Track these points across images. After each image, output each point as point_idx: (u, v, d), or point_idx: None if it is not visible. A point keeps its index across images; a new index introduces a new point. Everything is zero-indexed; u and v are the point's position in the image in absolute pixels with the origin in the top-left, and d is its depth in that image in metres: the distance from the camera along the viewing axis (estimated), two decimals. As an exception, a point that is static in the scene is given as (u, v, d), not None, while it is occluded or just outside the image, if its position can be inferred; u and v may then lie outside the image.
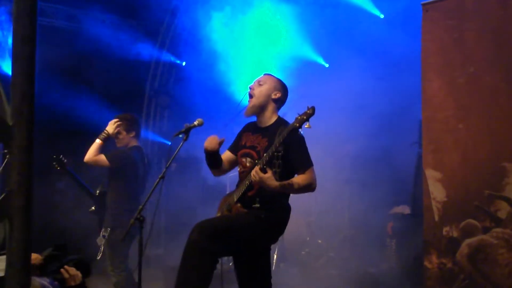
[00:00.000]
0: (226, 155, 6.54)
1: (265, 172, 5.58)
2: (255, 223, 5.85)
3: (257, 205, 5.80)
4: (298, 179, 5.74)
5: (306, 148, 5.90)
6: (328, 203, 11.32)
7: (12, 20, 2.41)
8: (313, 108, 5.50)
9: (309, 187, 5.82)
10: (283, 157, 5.69)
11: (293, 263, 10.56)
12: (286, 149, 5.67)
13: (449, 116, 6.07)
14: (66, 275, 4.64)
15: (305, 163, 5.80)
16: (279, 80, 6.24)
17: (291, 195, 6.20)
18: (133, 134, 8.48)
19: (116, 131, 8.38)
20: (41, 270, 4.78)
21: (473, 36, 6.03)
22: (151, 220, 6.52)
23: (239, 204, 5.94)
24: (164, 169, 6.53)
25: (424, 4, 6.46)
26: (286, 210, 6.07)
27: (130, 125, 8.51)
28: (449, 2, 6.30)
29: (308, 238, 11.04)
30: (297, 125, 5.46)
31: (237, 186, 6.21)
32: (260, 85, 6.13)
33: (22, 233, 2.45)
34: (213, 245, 5.69)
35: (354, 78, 11.30)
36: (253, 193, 5.89)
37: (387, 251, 10.92)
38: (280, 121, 6.07)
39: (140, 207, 6.39)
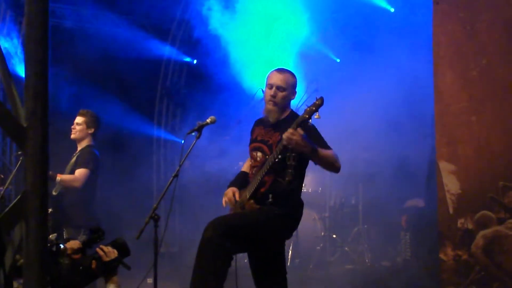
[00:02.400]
0: (249, 159, 6.53)
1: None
2: (269, 219, 5.85)
3: (271, 201, 5.80)
4: (326, 151, 5.69)
5: (321, 137, 5.88)
6: (341, 197, 11.30)
7: (24, 21, 2.42)
8: (321, 99, 5.48)
9: (334, 163, 5.80)
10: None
11: (308, 258, 10.55)
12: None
13: (462, 108, 6.05)
14: (101, 253, 4.81)
15: (326, 145, 5.76)
16: (294, 76, 6.18)
17: (303, 191, 6.21)
18: (92, 130, 8.65)
19: None
20: (82, 253, 4.93)
21: (485, 28, 6.01)
22: (166, 219, 6.49)
23: (252, 201, 5.93)
24: (178, 168, 6.54)
25: (434, -4, 6.44)
26: (299, 205, 6.06)
27: (92, 121, 8.65)
28: (459, -6, 6.28)
29: (322, 233, 11.02)
30: (307, 116, 5.48)
31: (250, 181, 6.20)
32: (281, 91, 6.05)
33: (38, 233, 2.46)
34: (227, 242, 5.69)
35: (365, 72, 11.29)
36: (265, 189, 5.87)
37: (401, 244, 10.89)
38: (292, 115, 6.04)
39: (154, 205, 6.39)
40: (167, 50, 15.59)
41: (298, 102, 9.28)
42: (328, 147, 5.80)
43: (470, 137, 5.99)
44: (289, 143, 5.51)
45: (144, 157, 14.69)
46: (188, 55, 15.68)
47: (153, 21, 14.84)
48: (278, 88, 6.01)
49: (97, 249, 4.93)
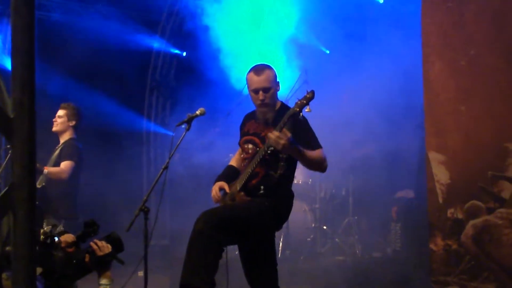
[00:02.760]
0: (238, 152, 6.53)
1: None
2: (260, 211, 5.85)
3: (262, 192, 5.81)
4: (312, 152, 5.70)
5: (312, 131, 5.89)
6: (332, 189, 11.32)
7: (11, 11, 2.40)
8: (312, 92, 5.49)
9: (320, 165, 5.84)
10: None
11: (298, 250, 10.56)
12: (294, 133, 5.59)
13: (450, 99, 6.07)
14: (95, 247, 4.81)
15: (314, 145, 5.77)
16: (271, 69, 6.14)
17: (294, 181, 6.23)
18: (73, 123, 8.78)
19: None
20: (76, 246, 4.93)
21: (473, 19, 6.03)
22: (156, 211, 6.50)
23: (242, 193, 5.94)
24: (168, 160, 6.54)
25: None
26: (289, 197, 6.06)
27: (74, 114, 8.77)
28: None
29: (313, 225, 11.03)
30: (298, 109, 5.48)
31: (240, 173, 6.20)
32: (267, 91, 5.97)
33: (27, 225, 2.45)
34: (218, 234, 5.68)
35: (354, 63, 11.30)
36: (257, 181, 5.87)
37: (392, 235, 10.93)
38: (283, 106, 6.07)
39: (145, 198, 6.39)
40: (156, 43, 15.58)
41: (288, 94, 9.29)
42: (317, 145, 5.81)
43: (459, 127, 6.01)
44: (275, 146, 5.51)
45: (134, 150, 14.69)
46: (178, 47, 15.68)
47: (142, 13, 14.83)
48: (264, 90, 5.97)
49: (91, 243, 4.93)
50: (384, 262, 10.51)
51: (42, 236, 4.75)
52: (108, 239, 4.97)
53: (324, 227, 11.02)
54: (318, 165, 5.86)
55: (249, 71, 6.11)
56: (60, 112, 8.77)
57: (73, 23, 13.72)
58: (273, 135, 5.44)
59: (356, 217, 11.41)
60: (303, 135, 5.74)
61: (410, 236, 9.90)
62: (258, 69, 6.04)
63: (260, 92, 5.93)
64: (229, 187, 6.14)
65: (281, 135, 5.42)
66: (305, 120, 5.91)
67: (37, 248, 4.84)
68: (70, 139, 8.78)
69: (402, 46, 10.36)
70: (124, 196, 13.05)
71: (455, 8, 6.14)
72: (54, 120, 8.77)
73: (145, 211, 6.20)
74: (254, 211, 5.84)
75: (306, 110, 5.49)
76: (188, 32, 14.69)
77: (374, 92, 10.74)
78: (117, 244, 4.96)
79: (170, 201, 14.56)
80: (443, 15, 6.17)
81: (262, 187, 5.82)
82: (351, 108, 10.80)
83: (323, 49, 12.87)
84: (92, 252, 4.84)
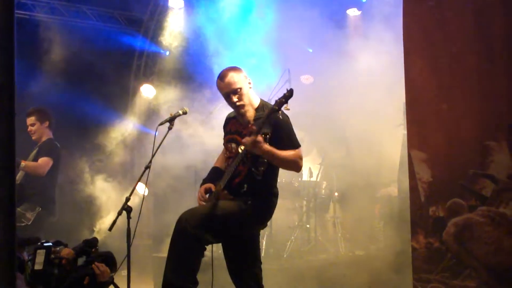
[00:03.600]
0: (222, 152, 6.56)
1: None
2: (242, 210, 5.88)
3: (245, 190, 5.85)
4: (287, 152, 5.75)
5: (292, 130, 5.95)
6: (315, 187, 11.32)
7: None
8: (291, 91, 5.56)
9: (294, 165, 5.90)
10: (270, 140, 5.69)
11: (282, 248, 10.57)
12: (273, 132, 5.70)
13: (432, 97, 6.08)
14: (98, 271, 4.76)
15: (292, 144, 5.84)
16: (236, 70, 6.17)
17: (278, 180, 6.25)
18: (46, 124, 8.96)
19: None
20: (73, 264, 4.87)
21: (454, 17, 6.03)
22: (139, 211, 6.49)
23: (225, 191, 5.94)
24: (150, 159, 6.54)
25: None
26: (273, 196, 6.10)
27: (43, 115, 8.92)
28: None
29: (296, 223, 11.04)
30: (276, 107, 5.55)
31: (224, 172, 6.22)
32: (237, 93, 6.02)
33: (6, 223, 2.43)
34: (201, 233, 5.74)
35: (337, 62, 11.32)
36: (240, 179, 5.92)
37: (375, 233, 10.96)
38: (263, 104, 6.14)
39: (127, 196, 6.39)
40: (139, 42, 15.55)
41: (271, 93, 9.30)
42: (294, 144, 5.89)
43: (440, 126, 6.02)
44: (250, 150, 5.63)
45: (116, 149, 14.66)
46: (161, 47, 15.65)
47: (125, 12, 14.81)
48: (233, 92, 6.01)
49: (94, 267, 4.89)
50: (367, 259, 10.54)
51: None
52: (105, 260, 4.93)
53: (308, 226, 11.03)
54: (291, 166, 5.94)
55: (216, 79, 6.16)
56: (30, 121, 8.94)
57: (56, 22, 13.67)
58: (249, 141, 5.55)
59: (339, 215, 11.43)
60: (280, 135, 5.81)
61: (392, 234, 9.93)
62: (222, 75, 6.07)
63: (231, 96, 6.00)
64: (214, 186, 6.15)
65: (256, 142, 5.53)
66: (285, 119, 5.98)
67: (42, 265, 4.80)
68: (48, 139, 8.92)
69: (383, 44, 10.43)
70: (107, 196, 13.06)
71: (436, 6, 6.15)
72: (29, 130, 8.90)
73: (128, 210, 6.20)
74: (236, 210, 5.87)
75: (285, 108, 5.56)
76: (171, 31, 14.70)
77: (357, 89, 10.79)
78: (112, 265, 4.94)
79: (153, 201, 14.55)
80: (424, 13, 6.19)
81: (245, 185, 5.86)
82: (334, 106, 10.82)
83: (307, 48, 12.87)
84: (92, 275, 4.80)
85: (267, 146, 5.64)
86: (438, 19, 6.11)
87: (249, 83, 6.08)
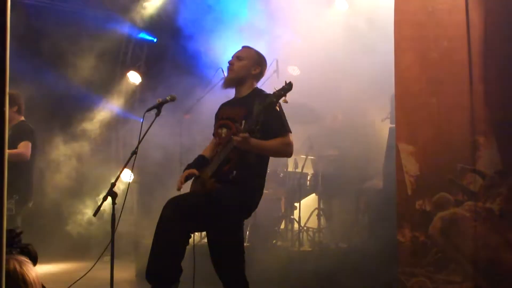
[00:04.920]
0: (212, 142, 6.59)
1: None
2: (228, 199, 5.86)
3: (233, 175, 5.89)
4: (275, 141, 5.83)
5: (282, 115, 6.00)
6: (300, 178, 11.29)
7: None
8: (290, 84, 5.54)
9: (285, 151, 5.98)
10: (262, 125, 5.69)
11: (266, 239, 10.54)
12: (264, 120, 5.69)
13: (422, 90, 6.06)
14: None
15: (282, 129, 5.91)
16: (258, 53, 6.35)
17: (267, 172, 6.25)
18: (15, 108, 8.81)
19: None
20: None
21: (447, 11, 6.01)
22: (124, 196, 6.47)
23: (213, 179, 5.95)
24: (137, 145, 6.51)
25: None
26: (259, 186, 6.13)
27: (11, 101, 8.79)
28: (422, -24, 6.28)
29: (280, 214, 11.02)
30: (275, 100, 5.52)
31: (212, 159, 6.21)
32: (239, 60, 6.21)
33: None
34: (185, 221, 5.77)
35: (326, 53, 11.29)
36: (229, 167, 5.91)
37: (359, 226, 10.95)
38: (257, 91, 6.20)
39: (113, 181, 6.35)
40: (127, 28, 15.47)
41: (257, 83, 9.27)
42: (285, 129, 5.95)
43: (429, 119, 6.01)
44: (239, 147, 5.66)
45: (102, 135, 14.63)
46: (149, 33, 15.60)
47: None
48: (237, 57, 6.24)
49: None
50: (350, 252, 10.52)
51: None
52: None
53: (292, 217, 11.00)
54: (281, 153, 6.10)
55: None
56: None
57: (41, 6, 13.61)
58: (239, 138, 5.57)
59: (324, 207, 11.42)
60: (274, 118, 5.85)
61: (377, 227, 9.92)
62: (246, 46, 6.40)
63: (234, 58, 6.26)
64: (200, 173, 6.15)
65: (245, 141, 5.57)
66: (277, 112, 5.96)
67: None
68: (19, 122, 8.79)
69: (371, 37, 10.42)
70: (93, 181, 13.04)
71: (428, 1, 6.13)
72: None
73: (113, 196, 6.16)
74: (221, 198, 5.85)
75: (283, 100, 5.55)
76: (160, 18, 14.65)
77: (343, 82, 10.78)
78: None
79: (138, 187, 14.54)
80: (417, 6, 6.15)
81: (234, 171, 5.89)
82: (320, 98, 10.81)
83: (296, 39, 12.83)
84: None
85: (254, 141, 5.67)
86: (430, 12, 6.09)
87: (256, 69, 6.26)
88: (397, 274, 6.20)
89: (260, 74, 6.35)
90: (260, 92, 6.20)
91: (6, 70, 2.39)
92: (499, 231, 5.49)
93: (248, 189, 6.01)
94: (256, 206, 6.26)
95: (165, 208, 5.86)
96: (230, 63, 6.28)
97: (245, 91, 6.25)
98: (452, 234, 5.78)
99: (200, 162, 6.42)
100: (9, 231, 4.27)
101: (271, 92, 5.61)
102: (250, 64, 6.20)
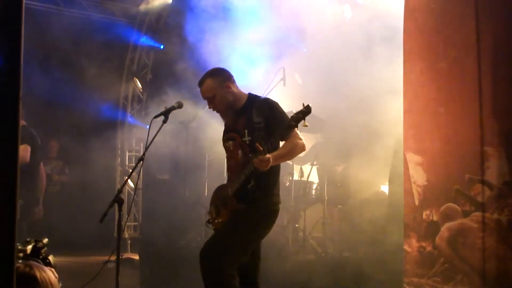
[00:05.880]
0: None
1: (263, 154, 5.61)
2: (253, 225, 6.02)
3: (252, 184, 5.93)
4: (288, 143, 5.86)
5: (283, 112, 6.05)
6: (305, 187, 11.29)
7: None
8: (308, 107, 5.52)
9: (299, 149, 5.98)
10: (265, 128, 5.83)
11: (271, 247, 10.52)
12: (265, 120, 5.85)
13: (430, 100, 6.04)
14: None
15: (289, 127, 5.78)
16: (211, 75, 6.33)
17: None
18: None
19: None
20: None
21: (454, 21, 5.99)
22: (130, 203, 6.47)
23: (234, 199, 6.01)
24: (144, 151, 6.51)
25: (407, -12, 6.44)
26: (278, 201, 6.18)
27: None
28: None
29: (285, 223, 11.01)
30: (294, 123, 5.52)
31: (229, 177, 6.29)
32: (210, 99, 6.25)
33: (7, 220, 2.37)
34: (226, 267, 5.84)
35: (333, 62, 11.32)
36: (251, 186, 5.96)
37: (364, 235, 10.92)
38: (252, 98, 6.25)
39: (119, 188, 6.36)
40: (134, 35, 15.53)
41: (266, 88, 9.27)
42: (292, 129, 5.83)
43: (437, 129, 5.99)
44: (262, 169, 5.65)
45: (107, 142, 14.66)
46: (156, 40, 15.64)
47: (120, 4, 14.81)
48: (208, 100, 6.29)
49: None
50: (355, 261, 10.50)
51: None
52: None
53: (297, 225, 10.99)
54: (298, 152, 6.04)
55: None
56: None
57: (53, 13, 13.66)
58: (256, 163, 5.59)
59: (329, 216, 11.41)
60: (276, 118, 5.93)
61: (383, 236, 9.90)
62: (200, 81, 6.33)
63: (208, 102, 6.31)
64: (221, 188, 6.28)
65: (262, 162, 5.55)
66: (275, 104, 6.12)
67: None
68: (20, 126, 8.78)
69: (379, 48, 10.43)
70: (96, 187, 13.02)
71: (437, 10, 6.11)
72: None
73: (120, 202, 6.15)
74: (248, 228, 6.00)
75: (303, 125, 5.53)
76: (166, 25, 14.71)
77: (348, 90, 10.80)
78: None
79: (144, 194, 14.56)
80: (425, 17, 6.14)
81: (252, 181, 5.92)
82: (327, 105, 10.81)
83: (302, 47, 12.87)
84: None
85: (273, 156, 5.66)
86: (439, 22, 6.07)
87: (228, 86, 6.21)
88: (403, 284, 6.17)
89: (231, 81, 6.30)
90: (254, 98, 6.27)
91: (20, 77, 2.39)
92: (507, 243, 5.46)
93: (268, 207, 6.12)
94: (276, 219, 6.31)
95: (202, 260, 6.00)
96: (210, 107, 6.36)
97: (240, 102, 6.24)
98: (459, 245, 5.75)
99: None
100: (35, 242, 4.22)
101: (292, 114, 5.63)
102: (219, 91, 6.18)
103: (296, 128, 5.78)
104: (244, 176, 5.87)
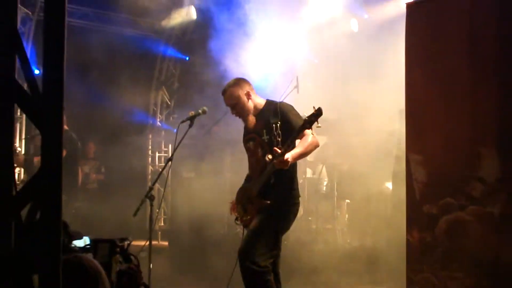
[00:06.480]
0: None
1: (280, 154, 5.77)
2: (279, 218, 6.17)
3: (273, 180, 6.08)
4: (302, 145, 5.95)
5: (296, 112, 6.23)
6: (317, 184, 11.32)
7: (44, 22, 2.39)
8: (319, 109, 5.63)
9: (315, 145, 6.09)
10: (280, 127, 5.97)
11: (287, 238, 10.55)
12: (281, 121, 6.00)
13: (431, 103, 6.07)
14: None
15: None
16: (234, 85, 6.45)
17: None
18: None
19: None
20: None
21: (450, 34, 6.02)
22: (160, 199, 6.55)
23: (259, 197, 6.12)
24: (173, 151, 6.59)
25: (408, 4, 6.47)
26: (298, 195, 6.39)
27: None
28: (430, 3, 6.30)
29: (299, 216, 11.03)
30: (308, 125, 5.67)
31: (250, 174, 6.46)
32: (234, 107, 6.40)
33: (53, 216, 2.41)
34: (263, 263, 5.96)
35: (341, 72, 11.36)
36: (273, 183, 6.10)
37: (370, 226, 10.94)
38: (269, 103, 6.41)
39: (150, 186, 6.43)
40: (162, 48, 15.62)
41: (282, 95, 9.31)
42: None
43: (437, 132, 6.01)
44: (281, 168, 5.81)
45: (139, 144, 14.75)
46: (182, 52, 15.72)
47: (149, 20, 14.91)
48: (231, 107, 6.42)
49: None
50: (362, 250, 10.53)
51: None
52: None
53: (309, 218, 11.03)
54: (314, 147, 6.12)
55: None
56: None
57: (90, 29, 13.77)
58: (276, 164, 5.78)
59: (338, 210, 11.44)
60: (291, 118, 6.11)
61: (388, 228, 9.93)
62: (223, 90, 6.47)
63: (230, 109, 6.44)
64: (245, 189, 6.40)
65: (284, 162, 5.76)
66: (287, 106, 6.32)
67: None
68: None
69: (381, 55, 10.46)
70: (130, 184, 13.11)
71: (435, 25, 6.15)
72: None
73: (151, 198, 6.23)
74: (275, 223, 6.15)
75: (316, 126, 5.68)
76: (191, 38, 14.78)
77: (355, 95, 10.83)
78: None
79: (171, 190, 14.62)
80: (425, 29, 6.18)
81: (272, 177, 6.06)
82: (333, 108, 10.85)
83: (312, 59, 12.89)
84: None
85: (291, 156, 5.82)
86: (437, 36, 6.09)
87: (248, 93, 6.28)
88: (406, 270, 6.21)
89: (251, 89, 6.43)
90: (271, 103, 6.41)
91: (62, 88, 2.43)
92: (498, 233, 5.48)
93: (290, 200, 6.29)
94: (298, 208, 6.48)
95: (241, 261, 6.10)
96: (233, 113, 6.48)
97: (259, 108, 6.38)
98: (456, 235, 5.78)
99: (248, 180, 6.56)
100: (120, 240, 4.23)
101: (304, 117, 5.84)
102: (240, 99, 6.32)
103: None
104: (266, 176, 5.94)
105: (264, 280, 5.92)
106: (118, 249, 4.09)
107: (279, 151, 5.72)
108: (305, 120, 5.69)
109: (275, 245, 6.13)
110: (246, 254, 5.98)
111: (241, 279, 6.55)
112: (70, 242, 4.09)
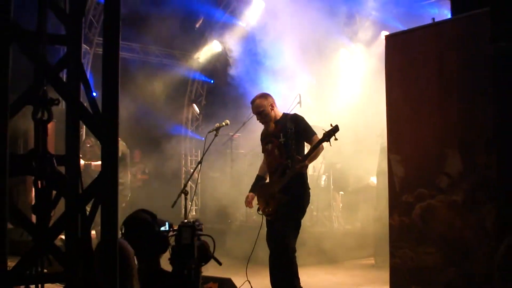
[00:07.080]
0: (263, 162, 6.87)
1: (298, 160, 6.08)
2: (298, 208, 6.33)
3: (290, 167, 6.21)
4: (314, 149, 6.08)
5: (308, 124, 6.39)
6: (317, 179, 11.32)
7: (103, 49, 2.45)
8: (336, 126, 5.94)
9: (322, 149, 6.24)
10: (296, 132, 6.20)
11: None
12: (295, 127, 6.21)
13: (406, 115, 6.11)
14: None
15: (311, 133, 6.29)
16: (262, 97, 6.54)
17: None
18: None
19: None
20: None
21: (422, 60, 6.05)
22: (192, 194, 6.59)
23: (281, 194, 6.23)
24: (202, 156, 6.65)
25: (386, 36, 6.54)
26: (309, 187, 6.54)
27: None
28: (404, 34, 6.35)
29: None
30: (327, 139, 5.93)
31: (271, 176, 6.54)
32: (260, 113, 6.48)
33: (111, 216, 2.44)
34: (290, 241, 6.18)
35: (336, 89, 11.38)
36: (292, 183, 6.25)
37: (360, 213, 10.96)
38: (285, 114, 6.63)
39: (184, 183, 6.49)
40: (192, 73, 15.78)
41: (287, 109, 9.33)
42: (312, 132, 6.30)
43: (412, 136, 6.04)
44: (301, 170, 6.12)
45: (175, 150, 14.85)
46: (208, 76, 15.88)
47: (181, 50, 15.07)
48: (257, 114, 6.50)
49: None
50: (354, 232, 10.54)
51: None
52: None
53: (312, 206, 11.02)
54: (321, 152, 6.31)
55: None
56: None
57: (134, 60, 13.92)
58: (298, 168, 6.08)
59: (334, 200, 11.43)
60: (303, 127, 6.31)
61: (372, 214, 9.95)
62: (252, 100, 6.56)
63: (257, 115, 6.52)
64: (267, 186, 6.49)
65: (303, 167, 6.14)
66: (301, 117, 6.47)
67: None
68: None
69: (368, 76, 10.49)
70: (167, 183, 13.19)
71: (408, 53, 6.19)
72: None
73: (185, 193, 6.26)
74: (297, 212, 6.32)
75: (334, 139, 5.95)
76: (215, 65, 14.90)
77: (348, 111, 10.82)
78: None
79: (201, 187, 14.66)
80: (400, 57, 6.22)
81: (287, 171, 6.21)
82: (330, 118, 10.86)
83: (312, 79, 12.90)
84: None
85: (308, 161, 6.19)
86: (410, 61, 6.13)
87: (272, 105, 6.37)
88: (389, 247, 6.24)
89: (274, 101, 6.54)
90: (287, 114, 6.62)
91: (117, 107, 2.49)
92: (461, 216, 5.50)
93: (305, 192, 6.42)
94: (309, 196, 6.59)
95: (278, 244, 6.21)
96: (258, 119, 6.55)
97: (278, 116, 6.50)
98: (428, 219, 5.81)
99: (259, 181, 6.69)
100: (197, 224, 4.29)
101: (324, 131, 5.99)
102: (265, 108, 6.44)
103: (316, 134, 6.22)
104: (288, 178, 6.03)
105: (294, 257, 6.10)
106: (197, 232, 4.22)
107: (300, 158, 6.05)
108: (324, 134, 5.93)
109: (298, 228, 6.28)
110: (282, 239, 6.12)
111: (258, 257, 6.61)
112: (159, 228, 4.24)
